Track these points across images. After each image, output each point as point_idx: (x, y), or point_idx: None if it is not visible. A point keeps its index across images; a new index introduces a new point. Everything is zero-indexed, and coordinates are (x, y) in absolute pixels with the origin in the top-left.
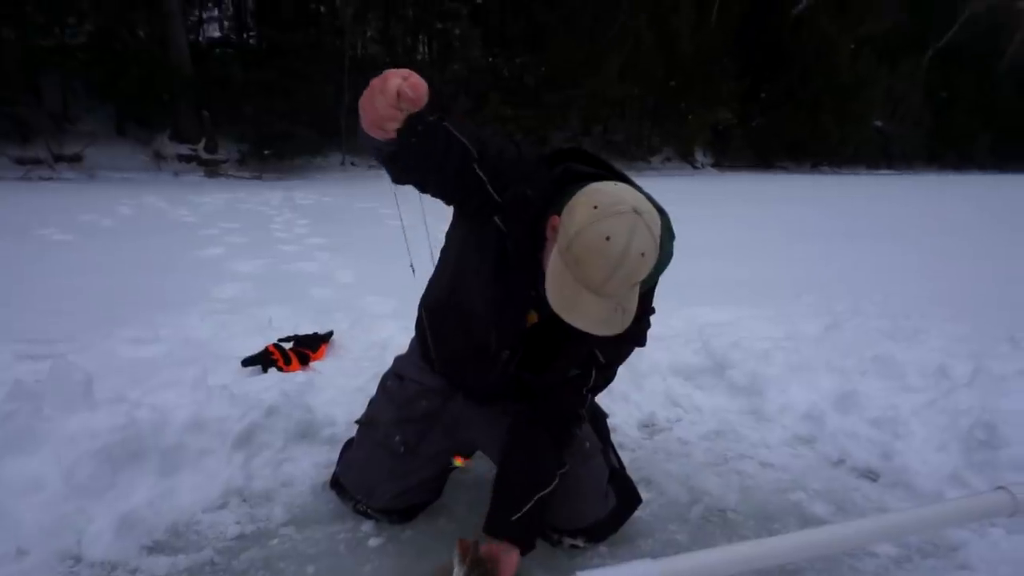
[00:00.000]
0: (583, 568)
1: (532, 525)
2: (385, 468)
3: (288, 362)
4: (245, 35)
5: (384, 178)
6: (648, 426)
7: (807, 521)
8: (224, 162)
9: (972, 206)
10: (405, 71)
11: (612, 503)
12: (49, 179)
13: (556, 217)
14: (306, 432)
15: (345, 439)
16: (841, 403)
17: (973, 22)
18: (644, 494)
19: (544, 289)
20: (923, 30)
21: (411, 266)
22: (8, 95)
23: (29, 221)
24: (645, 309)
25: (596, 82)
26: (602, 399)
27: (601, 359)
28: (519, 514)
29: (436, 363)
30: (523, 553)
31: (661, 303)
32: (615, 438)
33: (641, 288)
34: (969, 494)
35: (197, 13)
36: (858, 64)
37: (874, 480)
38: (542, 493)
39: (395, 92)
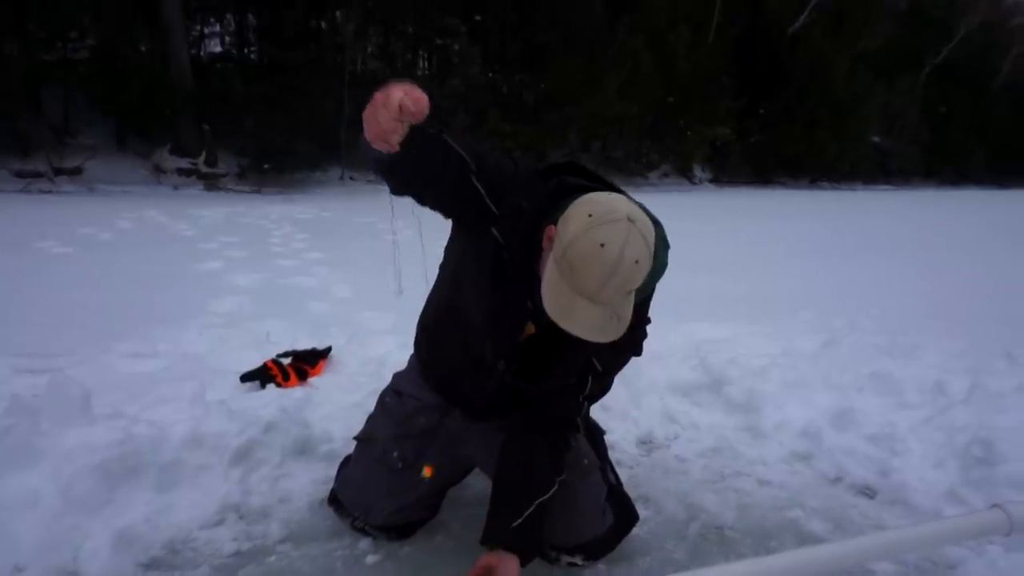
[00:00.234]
0: None
1: (531, 534)
2: (383, 485)
3: (286, 378)
4: (246, 50)
5: (383, 193)
6: (646, 443)
7: (804, 539)
8: (224, 176)
9: (969, 221)
10: (407, 84)
11: (610, 520)
12: (49, 192)
13: (552, 227)
14: (304, 448)
15: (343, 455)
16: (838, 420)
17: (968, 40)
18: (642, 511)
19: (540, 299)
20: (919, 47)
21: (399, 287)
22: (9, 108)
23: (28, 234)
24: (641, 318)
25: (595, 100)
26: (600, 416)
27: (598, 367)
28: (518, 521)
29: (432, 380)
30: (523, 563)
31: (659, 320)
32: (613, 455)
33: (637, 297)
34: (966, 512)
35: (199, 28)
36: (854, 81)
37: (871, 497)
38: (541, 499)
39: (397, 105)
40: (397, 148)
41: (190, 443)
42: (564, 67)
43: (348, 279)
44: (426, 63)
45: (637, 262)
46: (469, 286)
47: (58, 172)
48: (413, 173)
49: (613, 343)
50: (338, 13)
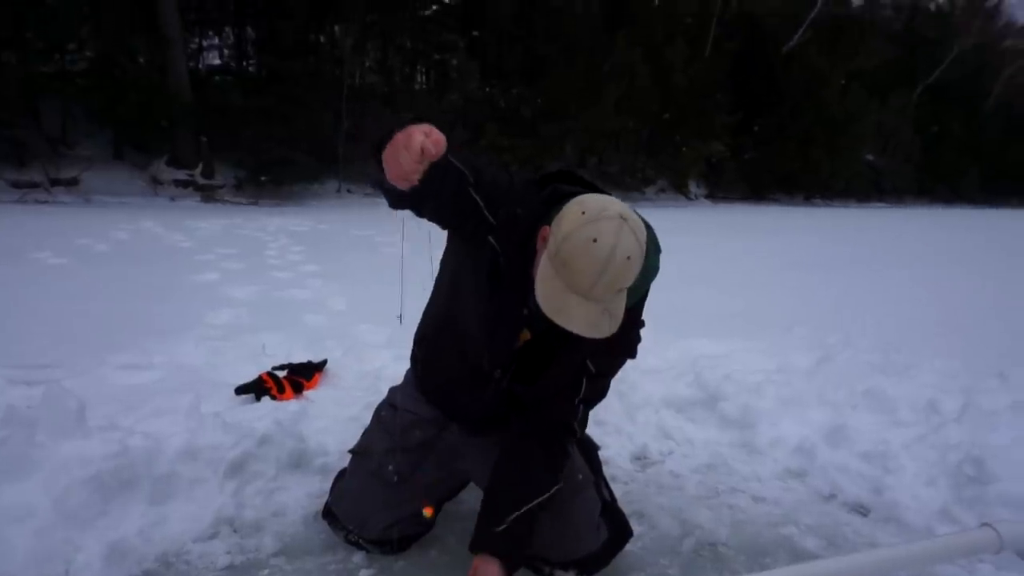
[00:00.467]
0: None
1: (516, 539)
2: (379, 498)
3: (282, 390)
4: (245, 63)
5: (380, 206)
6: (640, 459)
7: (798, 555)
8: (220, 187)
9: (963, 238)
10: (426, 127)
11: (604, 535)
12: (45, 202)
13: (546, 228)
14: (299, 461)
15: (338, 469)
16: (832, 437)
17: (961, 60)
18: (636, 527)
19: (536, 303)
20: (913, 67)
21: (400, 318)
22: (7, 119)
23: (24, 244)
24: (635, 320)
25: (592, 114)
26: (594, 431)
27: (592, 369)
28: (502, 527)
29: (430, 391)
30: (506, 568)
31: (656, 335)
32: (607, 471)
33: (630, 298)
34: (957, 531)
35: (198, 41)
36: (848, 99)
37: (865, 515)
38: (530, 504)
39: (419, 149)
40: (416, 184)
41: (185, 455)
42: (561, 80)
43: (344, 292)
44: (424, 77)
45: (629, 258)
46: (467, 295)
47: (55, 183)
48: (414, 189)
49: (607, 346)
50: (337, 27)
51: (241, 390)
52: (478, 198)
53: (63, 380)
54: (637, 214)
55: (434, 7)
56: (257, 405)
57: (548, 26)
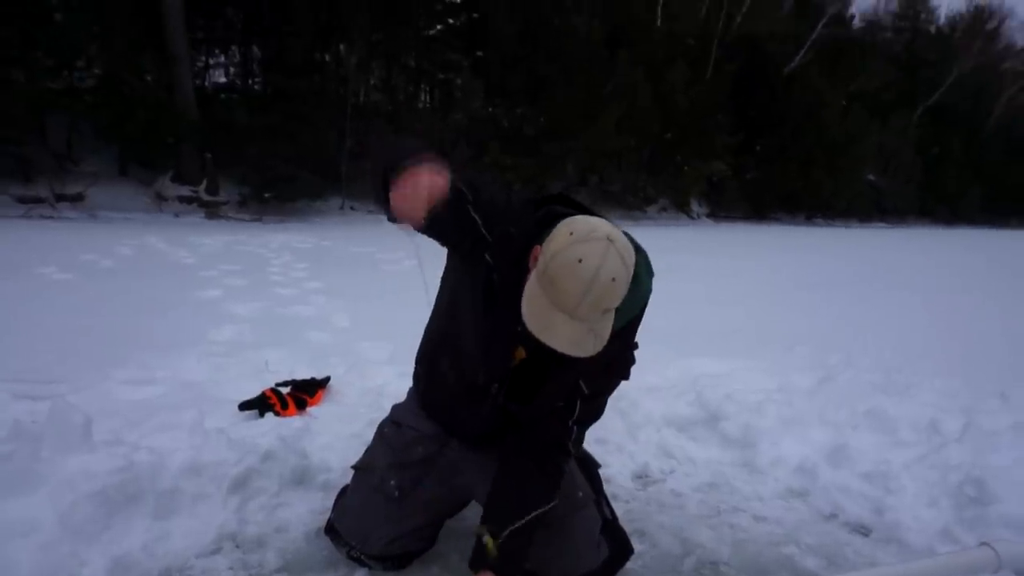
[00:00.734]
0: None
1: (510, 554)
2: (381, 514)
3: (285, 407)
4: (250, 81)
5: (383, 223)
6: (641, 477)
7: (799, 575)
8: (224, 204)
9: (964, 257)
10: (432, 163)
11: (605, 554)
12: (50, 218)
13: (538, 247)
14: (302, 478)
15: (341, 485)
16: (833, 457)
17: (961, 82)
18: (637, 546)
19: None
20: (914, 89)
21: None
22: (14, 135)
23: (29, 259)
24: (628, 342)
25: (593, 133)
26: (596, 450)
27: (585, 390)
28: (498, 540)
29: (430, 407)
30: None
31: (658, 353)
32: (609, 489)
33: (619, 319)
34: (955, 550)
35: (204, 59)
36: (848, 120)
37: (866, 535)
38: (526, 519)
39: (427, 197)
40: (423, 221)
41: (188, 471)
42: (564, 100)
43: (347, 309)
44: (428, 96)
45: (614, 280)
46: (465, 312)
47: (60, 198)
48: None
49: (601, 366)
50: (342, 46)
51: (244, 406)
52: (476, 216)
53: (68, 395)
54: (630, 238)
55: (439, 27)
56: (260, 421)
57: (551, 47)
